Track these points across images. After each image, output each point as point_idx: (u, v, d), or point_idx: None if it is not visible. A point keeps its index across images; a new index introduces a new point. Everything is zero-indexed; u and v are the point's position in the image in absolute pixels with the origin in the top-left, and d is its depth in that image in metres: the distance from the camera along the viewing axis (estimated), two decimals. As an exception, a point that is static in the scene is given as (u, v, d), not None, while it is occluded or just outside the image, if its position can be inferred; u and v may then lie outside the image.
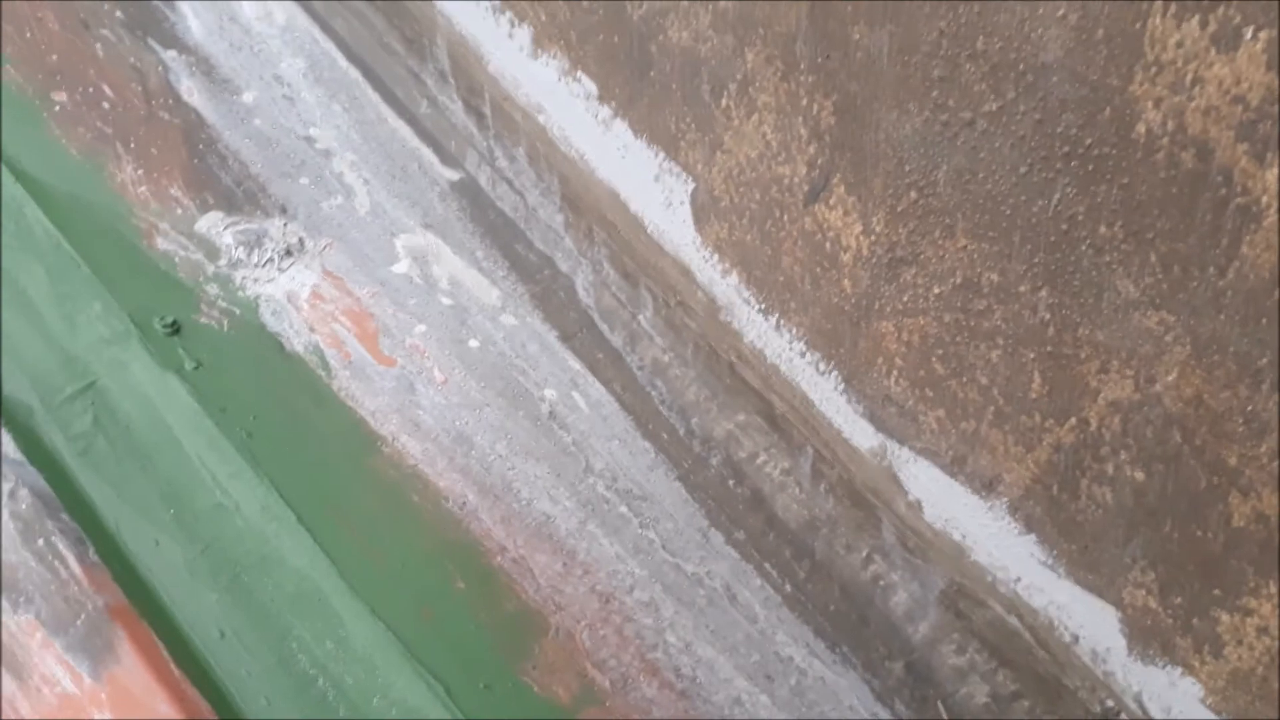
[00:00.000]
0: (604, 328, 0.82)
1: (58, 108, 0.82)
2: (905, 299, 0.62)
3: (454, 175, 0.85)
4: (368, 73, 0.87)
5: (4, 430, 0.66)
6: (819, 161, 0.63)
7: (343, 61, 0.87)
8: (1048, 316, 0.56)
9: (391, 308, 0.79)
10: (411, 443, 0.74)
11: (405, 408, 0.75)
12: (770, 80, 0.63)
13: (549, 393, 0.78)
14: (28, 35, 0.84)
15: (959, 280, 0.59)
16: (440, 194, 0.84)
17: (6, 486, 0.64)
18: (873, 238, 0.62)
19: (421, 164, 0.85)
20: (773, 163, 0.66)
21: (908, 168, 0.58)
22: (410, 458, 0.73)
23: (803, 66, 0.61)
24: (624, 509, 0.75)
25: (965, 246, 0.58)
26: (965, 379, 0.62)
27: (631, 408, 0.79)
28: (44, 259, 0.75)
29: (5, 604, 0.60)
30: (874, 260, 0.63)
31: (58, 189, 0.78)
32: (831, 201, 0.64)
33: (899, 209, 0.60)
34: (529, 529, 0.72)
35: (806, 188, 0.65)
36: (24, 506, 0.63)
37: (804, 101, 0.62)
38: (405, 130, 0.86)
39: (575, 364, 0.80)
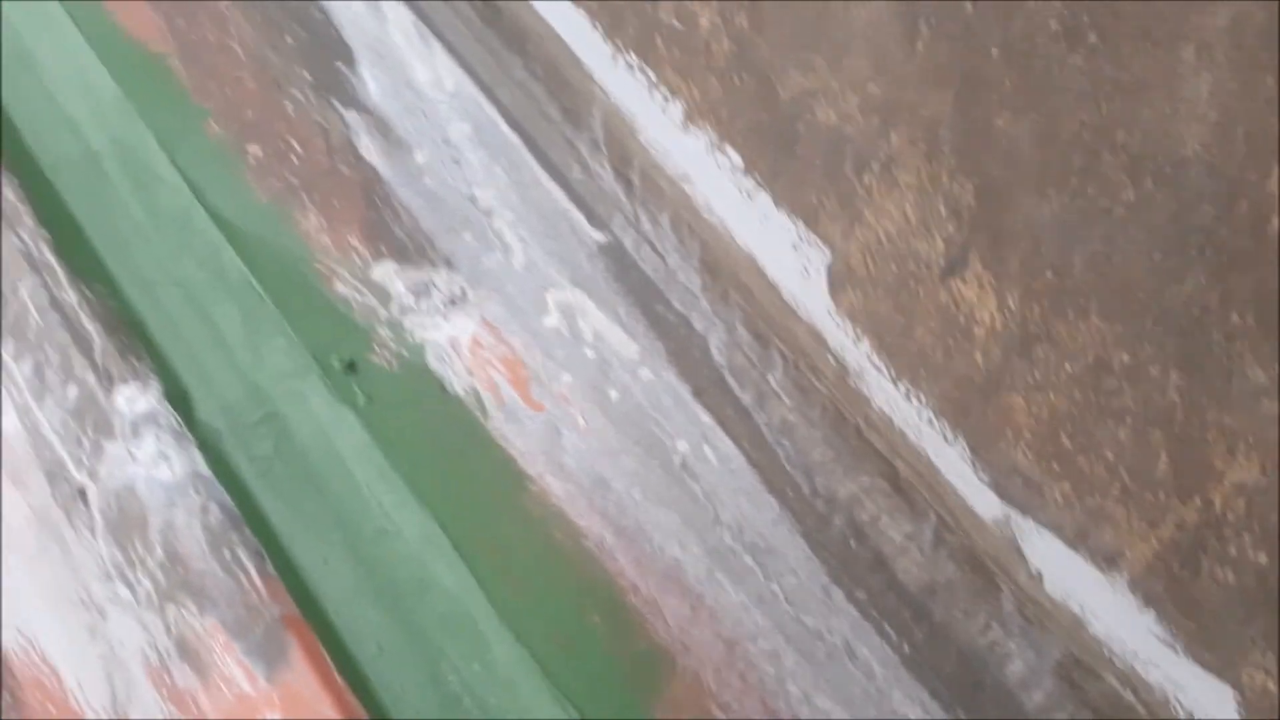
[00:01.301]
0: (734, 385, 0.86)
1: (252, 160, 0.90)
2: (1036, 374, 0.65)
3: (601, 237, 0.91)
4: (527, 139, 0.94)
5: (198, 451, 0.73)
6: (957, 239, 0.67)
7: (505, 127, 0.94)
8: (1177, 399, 0.58)
9: (541, 357, 0.84)
10: (555, 483, 0.79)
11: (551, 450, 0.80)
12: (913, 161, 0.67)
13: (681, 444, 0.83)
14: (228, 94, 0.93)
15: (1090, 360, 0.61)
16: (588, 254, 0.90)
17: (199, 501, 0.70)
18: (1007, 314, 0.65)
19: (572, 225, 0.91)
20: (911, 238, 0.70)
21: (1044, 249, 0.61)
22: (554, 497, 0.78)
23: (946, 150, 0.65)
24: (749, 560, 0.78)
25: (1098, 327, 0.60)
26: (1092, 455, 0.64)
27: (758, 464, 0.82)
28: (236, 297, 0.83)
29: (193, 607, 0.67)
30: (1007, 335, 0.66)
31: (250, 233, 0.86)
32: (967, 277, 0.67)
33: (1034, 288, 0.63)
34: (660, 572, 0.76)
35: (943, 263, 0.68)
36: (213, 520, 0.70)
37: (945, 182, 0.66)
38: (559, 193, 0.92)
39: (706, 418, 0.84)
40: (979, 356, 0.68)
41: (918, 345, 0.72)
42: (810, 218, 0.76)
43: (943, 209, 0.67)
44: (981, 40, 0.60)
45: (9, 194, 0.80)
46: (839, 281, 0.76)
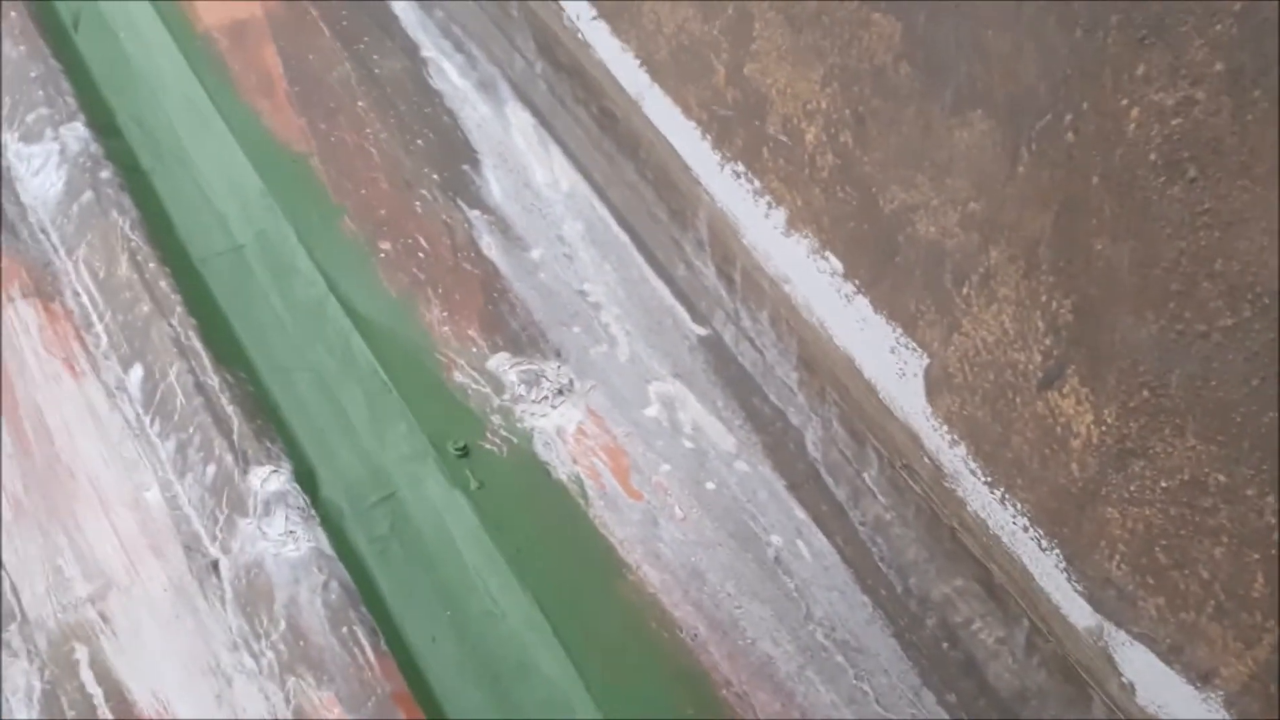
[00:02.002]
0: (829, 481, 0.88)
1: (383, 255, 0.96)
2: (1132, 489, 0.66)
3: (702, 331, 0.94)
4: (635, 237, 0.99)
5: (322, 529, 0.78)
6: (1054, 353, 0.68)
7: (615, 226, 0.99)
8: (1274, 521, 0.58)
9: (642, 447, 0.88)
10: (652, 572, 0.82)
11: (648, 540, 0.83)
12: (1012, 276, 0.69)
13: (775, 539, 0.85)
14: (363, 192, 1.00)
15: (1186, 477, 0.62)
16: (689, 347, 0.93)
17: (321, 578, 0.75)
18: (1103, 428, 0.66)
19: (675, 320, 0.95)
20: (1009, 349, 0.71)
21: (1141, 368, 0.63)
22: (650, 586, 0.81)
23: (1044, 268, 0.67)
24: (840, 659, 0.79)
25: (1194, 447, 0.61)
26: (1187, 571, 0.64)
27: (852, 561, 0.84)
28: (362, 383, 0.88)
29: (311, 680, 0.71)
30: (1104, 449, 0.67)
31: (378, 324, 0.91)
32: (1065, 390, 0.68)
33: (1131, 405, 0.64)
34: (752, 666, 0.78)
35: (1041, 375, 0.70)
36: (334, 597, 0.74)
37: (1043, 298, 0.68)
38: (663, 289, 0.96)
39: (801, 514, 0.86)
40: (1075, 468, 0.69)
41: (1014, 453, 0.73)
42: (909, 324, 0.79)
43: (1040, 324, 0.68)
44: (1082, 168, 0.62)
45: (163, 284, 0.87)
46: (936, 386, 0.78)
